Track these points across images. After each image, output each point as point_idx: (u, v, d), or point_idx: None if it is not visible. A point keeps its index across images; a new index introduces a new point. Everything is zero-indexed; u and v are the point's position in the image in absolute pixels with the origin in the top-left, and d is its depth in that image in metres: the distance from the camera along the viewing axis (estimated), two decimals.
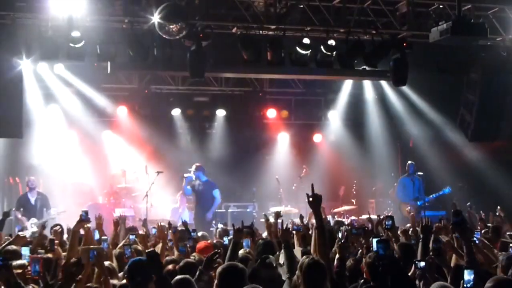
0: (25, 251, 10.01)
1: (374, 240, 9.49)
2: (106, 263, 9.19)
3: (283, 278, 8.29)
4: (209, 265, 8.21)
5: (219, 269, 7.34)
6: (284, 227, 10.03)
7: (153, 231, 13.76)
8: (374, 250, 9.26)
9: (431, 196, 20.46)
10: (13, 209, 19.23)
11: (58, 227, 13.49)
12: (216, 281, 7.29)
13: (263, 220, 17.98)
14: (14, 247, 10.67)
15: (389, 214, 17.04)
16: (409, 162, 21.06)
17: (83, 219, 10.77)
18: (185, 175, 20.46)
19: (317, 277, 7.25)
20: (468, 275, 7.49)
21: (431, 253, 8.99)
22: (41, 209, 19.21)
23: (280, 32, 18.28)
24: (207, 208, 20.04)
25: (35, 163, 21.88)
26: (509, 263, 8.81)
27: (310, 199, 8.34)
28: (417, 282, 8.32)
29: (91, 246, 9.49)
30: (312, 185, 8.55)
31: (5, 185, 21.94)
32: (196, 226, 17.39)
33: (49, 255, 10.07)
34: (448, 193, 20.44)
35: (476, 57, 20.59)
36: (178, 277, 7.93)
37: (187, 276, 7.94)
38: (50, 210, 19.32)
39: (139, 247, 11.46)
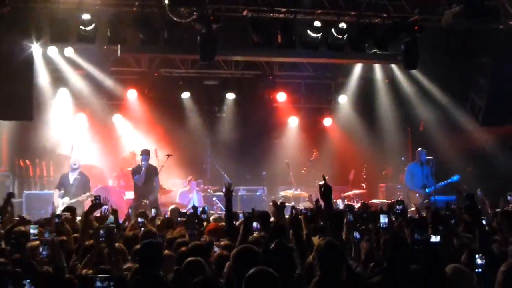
0: (34, 229, 10.01)
1: (382, 216, 9.52)
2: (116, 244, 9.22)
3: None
4: None
5: (234, 251, 7.32)
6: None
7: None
8: (381, 227, 9.29)
9: (439, 184, 20.29)
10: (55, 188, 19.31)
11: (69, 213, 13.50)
12: (230, 263, 7.28)
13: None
14: (22, 228, 10.67)
15: (400, 199, 17.03)
16: (420, 149, 20.84)
17: (96, 203, 10.76)
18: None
19: (333, 259, 7.23)
20: (479, 260, 7.47)
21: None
22: (78, 189, 18.98)
23: (291, 15, 18.26)
24: (149, 192, 19.62)
25: (45, 145, 21.92)
26: None
27: (322, 189, 8.42)
28: None
29: (101, 226, 9.48)
30: (324, 176, 8.63)
31: (15, 167, 22.00)
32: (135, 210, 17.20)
33: (63, 238, 10.07)
34: (456, 181, 20.27)
35: (488, 41, 20.45)
36: (190, 258, 7.92)
37: (198, 258, 7.94)
38: (87, 193, 18.90)
39: (152, 229, 11.45)
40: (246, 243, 8.66)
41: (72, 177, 19.22)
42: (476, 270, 7.45)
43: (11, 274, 6.90)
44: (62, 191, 19.02)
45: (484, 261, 7.46)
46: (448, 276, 7.35)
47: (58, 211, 17.33)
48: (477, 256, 7.52)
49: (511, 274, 7.03)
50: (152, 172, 19.43)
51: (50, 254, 8.53)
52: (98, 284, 6.25)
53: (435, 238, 8.61)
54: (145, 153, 19.48)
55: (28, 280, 6.39)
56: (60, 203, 18.54)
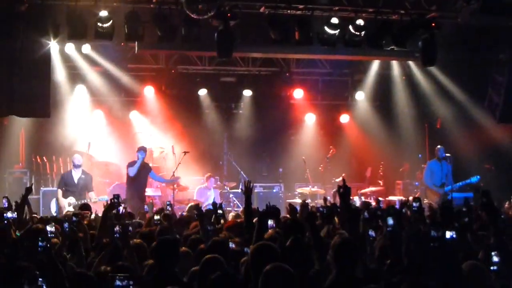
0: (51, 227, 10.01)
1: (389, 219, 9.49)
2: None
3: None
4: None
5: (252, 248, 7.34)
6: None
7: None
8: (388, 229, 9.25)
9: (458, 183, 20.15)
10: (57, 187, 19.28)
11: (87, 211, 13.53)
12: (248, 260, 7.28)
13: (289, 200, 18.11)
14: (40, 226, 10.67)
15: (416, 196, 16.96)
16: (439, 146, 20.71)
17: (115, 203, 10.71)
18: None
19: (348, 256, 7.24)
20: (495, 257, 7.45)
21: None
22: (83, 189, 18.92)
23: (308, 12, 18.24)
24: (141, 186, 19.60)
25: (62, 142, 22.00)
26: None
27: (341, 190, 8.44)
28: None
29: (115, 222, 9.48)
30: (344, 177, 8.68)
31: (33, 164, 22.08)
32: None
33: (80, 234, 10.07)
34: (475, 182, 20.13)
35: (505, 37, 20.37)
36: (208, 256, 7.84)
37: (217, 255, 7.89)
38: (91, 192, 18.98)
39: (165, 224, 11.46)
40: (262, 240, 8.67)
41: (76, 176, 19.05)
42: (492, 267, 7.43)
43: (25, 270, 6.91)
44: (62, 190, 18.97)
45: (500, 258, 7.44)
46: (465, 273, 7.32)
47: (64, 212, 17.39)
48: (493, 253, 7.49)
49: None
50: (145, 169, 19.44)
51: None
52: (118, 283, 6.25)
53: (450, 234, 8.59)
54: (142, 150, 19.39)
55: (41, 279, 6.37)
56: (66, 204, 18.48)
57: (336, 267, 7.25)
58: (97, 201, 18.34)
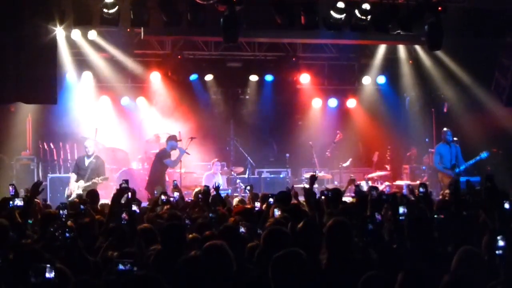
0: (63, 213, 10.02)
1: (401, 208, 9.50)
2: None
3: None
4: None
5: (264, 233, 7.33)
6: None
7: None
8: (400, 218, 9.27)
9: (468, 162, 20.10)
10: (71, 172, 19.30)
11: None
12: (260, 244, 7.28)
13: (297, 185, 18.09)
14: (52, 211, 10.67)
15: (423, 181, 16.92)
16: (445, 129, 20.63)
17: (124, 188, 10.69)
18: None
19: (340, 237, 7.23)
20: (501, 241, 7.42)
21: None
22: (93, 173, 18.67)
23: None
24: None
25: (69, 129, 22.01)
26: None
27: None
28: None
29: (122, 209, 9.47)
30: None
31: (40, 151, 22.10)
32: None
33: (87, 219, 10.08)
34: (485, 158, 20.07)
35: None
36: (211, 242, 7.75)
37: (220, 241, 7.82)
38: (99, 177, 18.69)
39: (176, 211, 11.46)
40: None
41: (87, 160, 18.96)
42: (498, 252, 7.40)
43: (34, 254, 6.92)
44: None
45: (505, 243, 7.41)
46: (456, 256, 7.28)
47: (74, 195, 17.43)
48: (499, 237, 7.47)
49: None
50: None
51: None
52: (121, 267, 6.26)
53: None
54: (174, 139, 19.52)
55: (49, 265, 6.35)
56: (76, 187, 18.52)
57: (327, 249, 7.24)
58: (100, 181, 18.44)
